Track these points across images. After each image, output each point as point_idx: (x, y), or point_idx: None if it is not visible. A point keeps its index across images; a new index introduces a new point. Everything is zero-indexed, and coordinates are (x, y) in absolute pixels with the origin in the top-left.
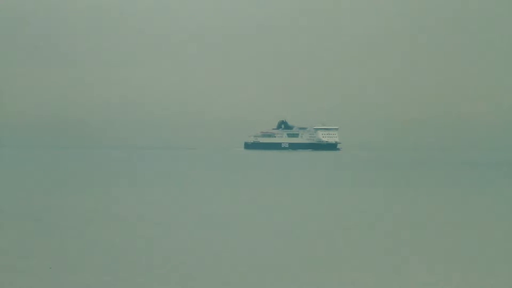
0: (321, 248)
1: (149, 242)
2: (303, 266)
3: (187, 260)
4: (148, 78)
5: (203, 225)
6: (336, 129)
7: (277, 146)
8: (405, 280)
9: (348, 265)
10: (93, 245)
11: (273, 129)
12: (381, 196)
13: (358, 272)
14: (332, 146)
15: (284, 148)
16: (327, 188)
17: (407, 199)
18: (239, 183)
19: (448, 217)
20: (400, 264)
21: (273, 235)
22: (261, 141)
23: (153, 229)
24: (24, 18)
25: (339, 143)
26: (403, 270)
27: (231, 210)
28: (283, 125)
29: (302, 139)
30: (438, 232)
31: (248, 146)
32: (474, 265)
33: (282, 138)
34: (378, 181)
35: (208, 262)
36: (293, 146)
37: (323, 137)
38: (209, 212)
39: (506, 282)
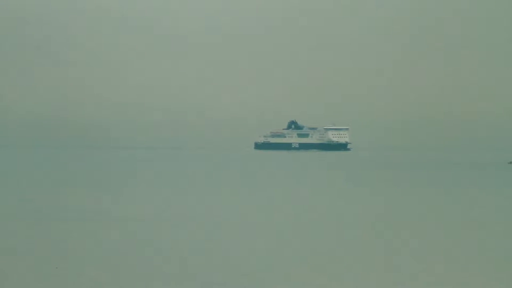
0: (323, 248)
1: (151, 242)
2: (302, 266)
3: (188, 260)
4: (156, 79)
5: (205, 225)
6: (347, 129)
7: (287, 146)
8: (405, 280)
9: (347, 266)
10: (94, 245)
11: (283, 129)
12: (384, 196)
13: (356, 272)
14: (342, 146)
15: (294, 148)
16: (340, 188)
17: (410, 199)
18: (247, 183)
19: (448, 217)
20: (400, 264)
21: (276, 234)
22: (271, 141)
23: (154, 229)
24: (24, 18)
25: (349, 143)
26: (402, 271)
27: (234, 210)
28: (293, 125)
29: (312, 139)
30: (439, 232)
31: (258, 146)
32: (476, 265)
33: (292, 138)
34: (382, 182)
35: (209, 262)
36: (303, 146)
37: (333, 137)
38: (212, 212)
39: (505, 283)
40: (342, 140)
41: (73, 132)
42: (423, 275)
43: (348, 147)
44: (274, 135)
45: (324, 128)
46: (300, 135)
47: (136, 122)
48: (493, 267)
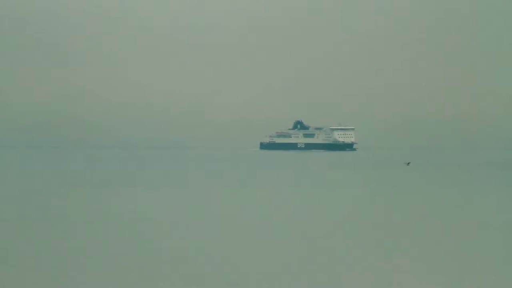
0: (318, 249)
1: (150, 242)
2: (301, 267)
3: (187, 261)
4: (158, 79)
5: (204, 225)
6: (352, 129)
7: (293, 146)
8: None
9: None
10: (93, 245)
11: (289, 129)
12: (386, 195)
13: (354, 273)
14: (348, 146)
15: (300, 148)
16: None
17: (410, 199)
18: (248, 183)
19: (447, 217)
20: (399, 265)
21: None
22: (276, 141)
23: (154, 230)
24: (24, 18)
25: (355, 143)
26: (401, 271)
27: (235, 210)
28: (299, 125)
29: (318, 139)
30: (439, 232)
31: (263, 146)
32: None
33: (298, 138)
34: (384, 181)
35: (209, 262)
36: (309, 146)
37: (339, 137)
38: (211, 213)
39: (504, 283)
40: (348, 140)
41: (73, 132)
42: (422, 276)
43: (354, 147)
44: (280, 135)
45: (330, 128)
46: (306, 135)
47: (137, 122)
48: (493, 268)
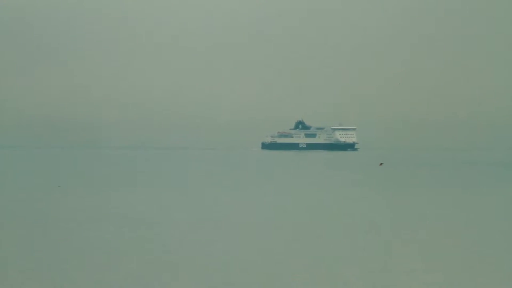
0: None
1: (150, 242)
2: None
3: (185, 261)
4: (160, 79)
5: (203, 226)
6: (354, 129)
7: (294, 146)
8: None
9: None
10: (93, 245)
11: (291, 129)
12: (386, 196)
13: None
14: (349, 146)
15: (302, 148)
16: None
17: (411, 200)
18: (248, 182)
19: (446, 217)
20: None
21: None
22: (278, 141)
23: (154, 230)
24: (24, 18)
25: (357, 143)
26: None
27: (234, 211)
28: (301, 125)
29: (320, 139)
30: (439, 232)
31: (265, 146)
32: (475, 265)
33: (300, 138)
34: (384, 182)
35: (207, 262)
36: (311, 146)
37: (340, 137)
38: (210, 213)
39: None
40: (350, 140)
41: (73, 132)
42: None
43: (356, 147)
44: (281, 135)
45: (332, 128)
46: (307, 135)
47: (137, 122)
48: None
